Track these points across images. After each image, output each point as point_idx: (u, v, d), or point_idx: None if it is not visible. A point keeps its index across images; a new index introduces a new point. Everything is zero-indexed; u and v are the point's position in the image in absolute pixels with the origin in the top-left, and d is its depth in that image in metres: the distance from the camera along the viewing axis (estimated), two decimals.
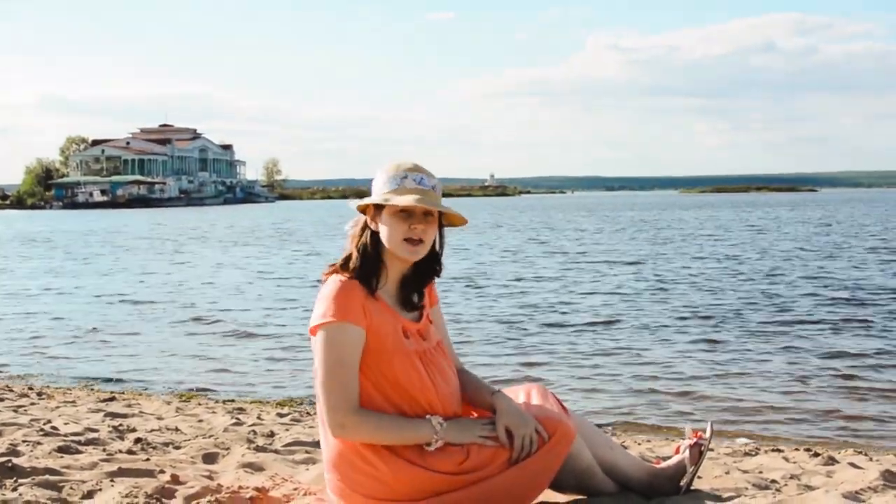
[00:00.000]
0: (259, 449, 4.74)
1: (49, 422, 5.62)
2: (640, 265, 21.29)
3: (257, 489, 3.72)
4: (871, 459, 5.07)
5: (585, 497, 3.47)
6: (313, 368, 3.27)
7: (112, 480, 3.89)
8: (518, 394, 3.44)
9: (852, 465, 4.65)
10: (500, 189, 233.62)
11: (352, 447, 3.21)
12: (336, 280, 3.24)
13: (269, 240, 36.56)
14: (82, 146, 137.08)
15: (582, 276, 18.74)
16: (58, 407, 6.64)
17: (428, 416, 3.23)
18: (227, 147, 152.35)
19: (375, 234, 3.28)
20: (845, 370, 8.62)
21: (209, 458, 4.53)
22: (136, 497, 3.59)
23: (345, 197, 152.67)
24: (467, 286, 16.88)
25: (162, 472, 4.06)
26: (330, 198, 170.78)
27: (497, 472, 3.22)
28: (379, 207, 3.26)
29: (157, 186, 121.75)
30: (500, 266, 21.73)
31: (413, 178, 3.26)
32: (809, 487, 4.00)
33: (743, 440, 6.26)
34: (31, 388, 7.89)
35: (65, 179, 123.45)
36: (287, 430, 5.57)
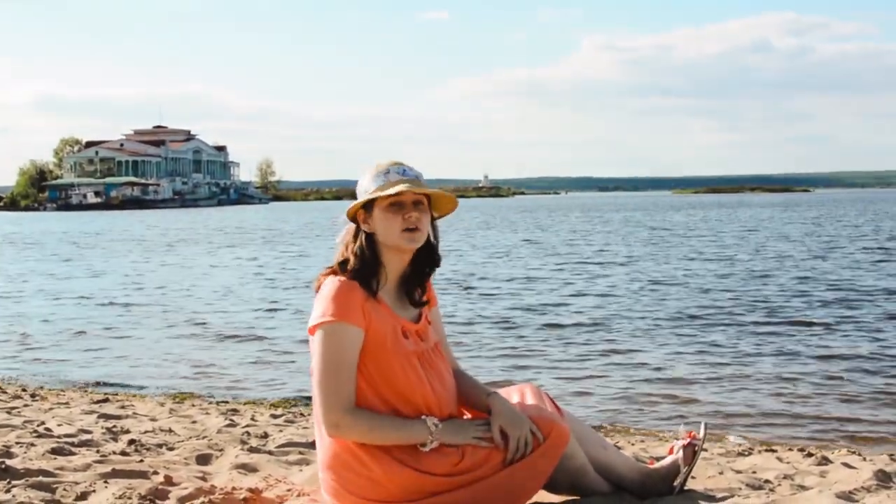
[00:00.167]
0: (253, 450, 4.73)
1: (42, 423, 5.61)
2: (632, 266, 21.31)
3: (251, 490, 3.72)
4: (864, 459, 5.08)
5: (579, 497, 3.48)
6: (310, 368, 3.27)
7: (106, 482, 3.88)
8: (512, 394, 3.45)
9: (846, 465, 4.66)
10: (494, 190, 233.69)
11: (347, 448, 3.21)
12: (335, 280, 3.24)
13: (260, 241, 36.52)
14: (76, 148, 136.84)
15: (574, 277, 18.74)
16: (51, 408, 6.63)
17: (423, 417, 3.23)
18: (221, 148, 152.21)
19: (370, 236, 3.28)
20: (838, 371, 8.63)
21: (203, 460, 4.53)
22: (129, 498, 3.58)
23: (338, 198, 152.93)
24: (459, 287, 16.87)
25: (155, 473, 4.05)
26: (324, 199, 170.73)
27: (491, 473, 3.22)
28: (369, 208, 3.27)
29: (150, 188, 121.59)
30: (492, 267, 21.73)
31: (396, 171, 3.28)
32: (803, 487, 4.00)
33: (734, 439, 6.26)
34: (24, 390, 7.87)
35: (58, 181, 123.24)
36: (281, 431, 5.57)
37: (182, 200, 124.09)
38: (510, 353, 9.92)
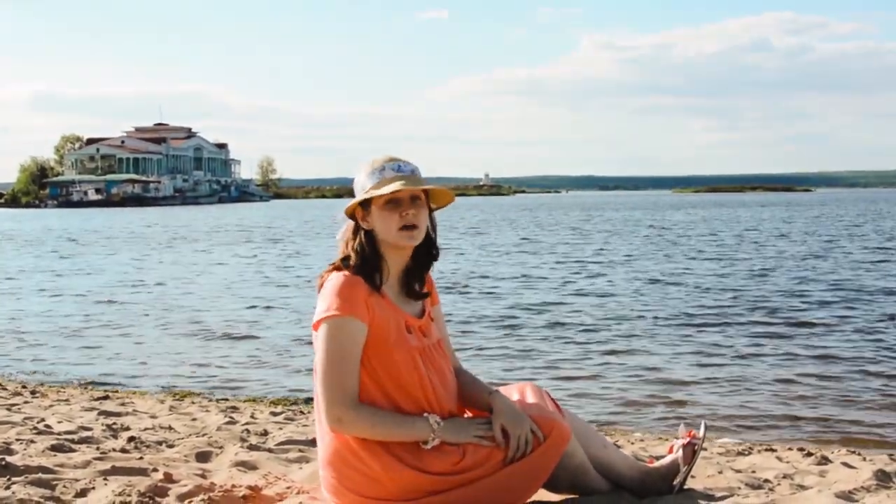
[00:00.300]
0: (252, 447, 4.73)
1: (42, 420, 5.62)
2: (632, 265, 21.30)
3: (250, 488, 3.72)
4: (864, 459, 5.08)
5: (578, 496, 3.47)
6: (314, 363, 3.27)
7: (105, 479, 3.88)
8: (512, 393, 3.44)
9: (845, 464, 4.66)
10: (495, 188, 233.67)
11: (347, 444, 3.21)
12: (340, 276, 3.25)
13: (261, 239, 36.52)
14: (77, 145, 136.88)
15: (574, 276, 18.74)
16: (51, 405, 6.63)
17: (425, 415, 3.23)
18: (222, 146, 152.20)
19: (369, 233, 3.28)
20: (836, 371, 8.63)
21: (202, 457, 4.52)
22: (129, 495, 3.58)
23: (339, 196, 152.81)
24: (459, 287, 16.86)
25: (155, 470, 4.05)
26: (324, 196, 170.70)
27: (492, 471, 3.22)
28: (366, 205, 3.27)
29: (151, 185, 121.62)
30: (491, 266, 21.72)
31: (391, 168, 3.27)
32: (802, 487, 4.00)
33: (728, 439, 6.25)
34: (24, 387, 7.87)
35: (60, 178, 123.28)
36: (280, 428, 5.57)
37: (183, 198, 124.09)
38: (509, 353, 9.92)
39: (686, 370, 8.79)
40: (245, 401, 7.56)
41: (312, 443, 4.29)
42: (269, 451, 4.69)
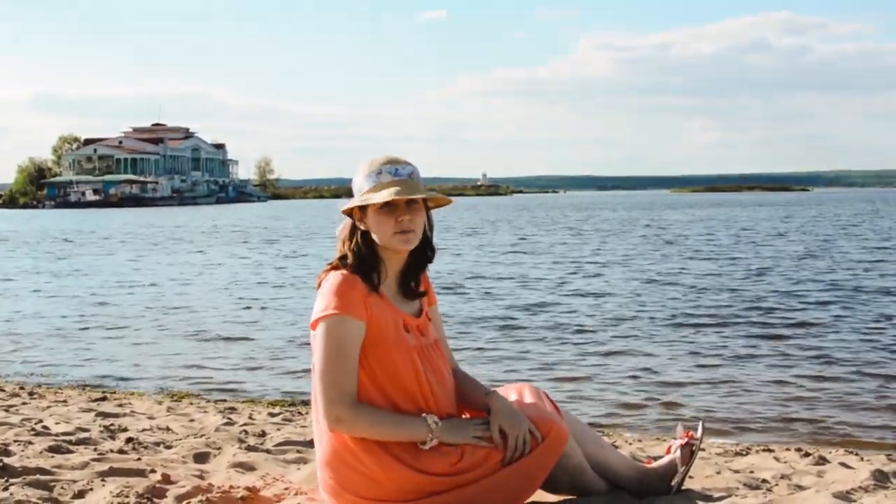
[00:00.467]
0: (250, 448, 4.73)
1: (40, 421, 5.61)
2: (629, 265, 21.31)
3: (248, 489, 3.72)
4: (861, 459, 5.08)
5: (576, 496, 3.47)
6: (312, 363, 3.27)
7: (103, 480, 3.88)
8: (510, 393, 3.45)
9: (843, 464, 4.66)
10: (493, 188, 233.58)
11: (346, 445, 3.21)
12: (338, 275, 3.25)
13: (258, 240, 36.50)
14: (75, 145, 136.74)
15: (570, 277, 18.75)
16: (49, 406, 6.63)
17: (423, 415, 3.23)
18: (220, 146, 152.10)
19: (367, 233, 3.29)
20: (834, 372, 8.64)
21: (200, 458, 4.53)
22: (126, 497, 3.58)
23: (337, 196, 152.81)
24: (455, 287, 16.86)
25: (153, 471, 4.05)
26: (322, 197, 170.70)
27: (490, 472, 3.22)
28: (363, 207, 3.27)
29: (149, 186, 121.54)
30: (488, 267, 21.72)
31: (388, 171, 3.26)
32: (800, 487, 4.00)
33: (725, 440, 6.26)
34: (22, 388, 7.87)
35: (57, 179, 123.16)
36: (278, 429, 5.57)
37: (181, 198, 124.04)
38: (507, 353, 9.92)
39: (683, 371, 8.79)
40: (243, 402, 7.56)
41: (310, 444, 4.29)
42: (268, 451, 4.69)
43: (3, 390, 7.55)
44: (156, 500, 3.59)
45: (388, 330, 3.25)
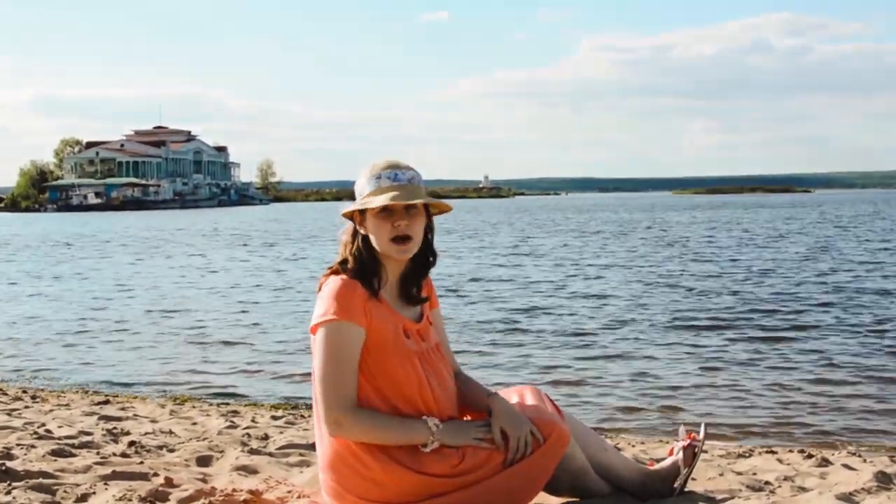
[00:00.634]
0: (253, 452, 4.74)
1: (43, 425, 5.62)
2: (631, 268, 21.29)
3: (251, 492, 3.72)
4: (864, 461, 5.08)
5: (579, 499, 3.48)
6: (312, 368, 3.27)
7: (106, 483, 3.88)
8: (511, 395, 3.45)
9: (846, 466, 4.66)
10: (495, 191, 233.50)
11: (347, 447, 3.21)
12: (338, 280, 3.25)
13: (260, 243, 36.50)
14: (76, 148, 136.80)
15: (571, 280, 18.73)
16: (52, 410, 6.63)
17: (424, 418, 3.23)
18: (222, 149, 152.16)
19: (367, 238, 3.29)
20: (836, 373, 8.63)
21: (203, 461, 4.53)
22: (129, 500, 3.59)
23: (338, 198, 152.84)
24: (456, 290, 16.86)
25: (156, 475, 4.06)
26: (324, 199, 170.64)
27: (491, 474, 3.22)
28: (363, 210, 3.27)
29: (151, 189, 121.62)
30: (490, 269, 21.71)
31: (388, 176, 3.26)
32: (803, 489, 4.00)
33: (727, 442, 6.25)
34: (24, 392, 7.87)
35: (59, 182, 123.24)
36: (281, 432, 5.57)
37: (182, 201, 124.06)
38: (508, 356, 9.91)
39: (685, 373, 8.78)
40: (246, 405, 7.56)
41: (313, 447, 4.29)
42: (270, 455, 4.70)
43: (6, 394, 7.56)
44: (159, 503, 3.59)
45: (388, 335, 3.24)
